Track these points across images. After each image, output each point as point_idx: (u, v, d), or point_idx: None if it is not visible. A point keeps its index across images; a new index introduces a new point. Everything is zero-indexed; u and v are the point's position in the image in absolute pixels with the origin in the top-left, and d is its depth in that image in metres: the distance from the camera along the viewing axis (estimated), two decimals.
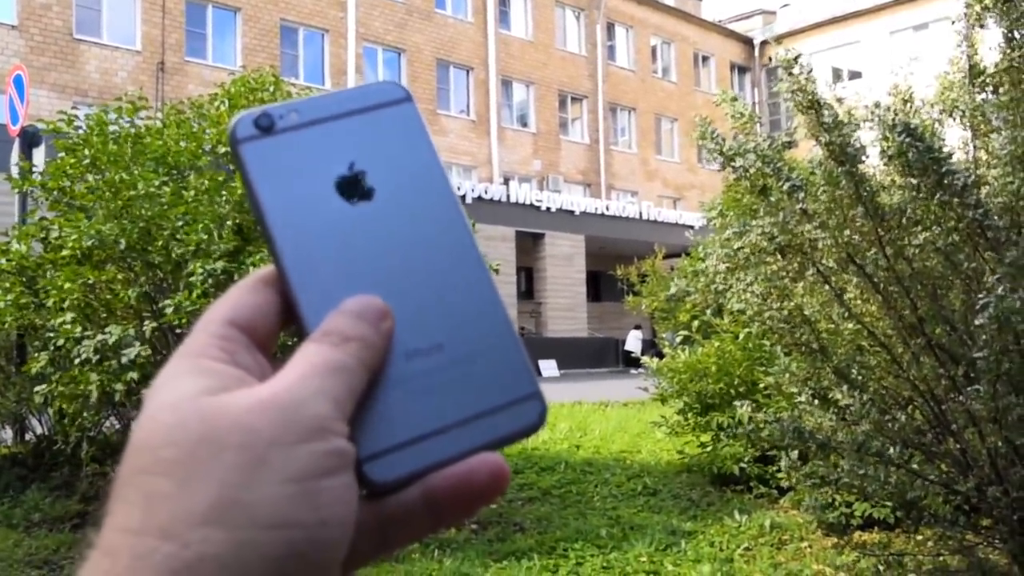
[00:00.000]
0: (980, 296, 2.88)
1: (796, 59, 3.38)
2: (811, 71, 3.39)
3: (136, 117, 6.38)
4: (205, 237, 5.12)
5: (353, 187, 0.45)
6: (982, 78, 3.66)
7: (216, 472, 0.36)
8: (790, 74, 3.34)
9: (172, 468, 0.36)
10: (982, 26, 3.69)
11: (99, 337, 5.11)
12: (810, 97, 3.32)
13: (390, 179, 0.46)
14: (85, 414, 5.59)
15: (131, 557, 0.35)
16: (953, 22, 3.93)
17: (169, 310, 4.95)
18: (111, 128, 6.20)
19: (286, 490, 0.36)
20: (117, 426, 6.41)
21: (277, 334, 0.44)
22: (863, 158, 3.32)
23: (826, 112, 3.29)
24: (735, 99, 3.93)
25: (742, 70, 41.16)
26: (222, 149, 5.96)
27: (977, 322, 2.89)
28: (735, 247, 3.64)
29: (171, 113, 6.66)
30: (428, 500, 0.41)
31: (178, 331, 5.17)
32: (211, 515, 0.35)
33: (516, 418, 0.43)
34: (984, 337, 2.93)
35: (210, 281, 5.01)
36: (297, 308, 0.42)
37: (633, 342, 22.62)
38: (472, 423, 0.42)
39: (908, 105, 4.03)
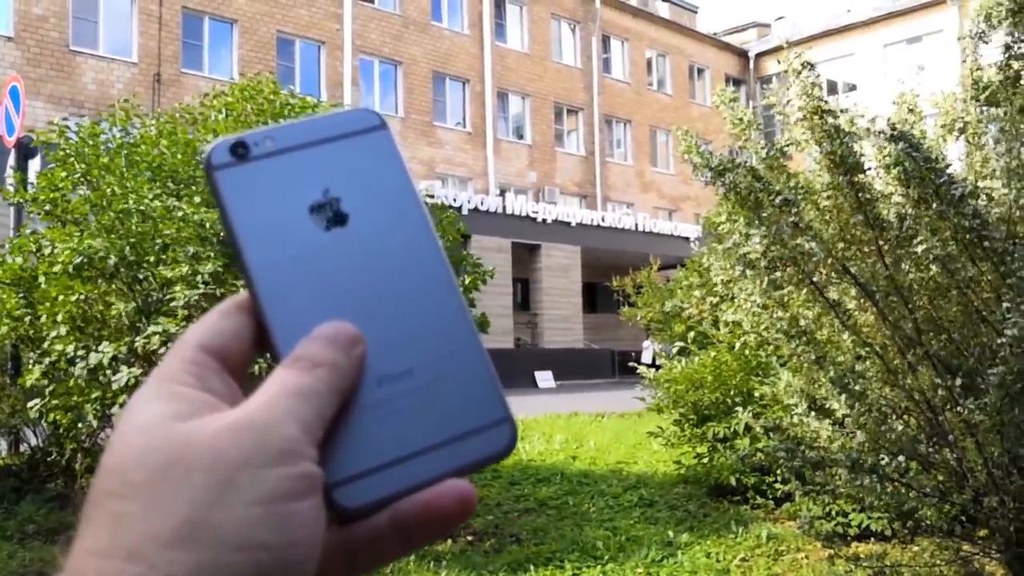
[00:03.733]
0: (1008, 316, 2.87)
1: (805, 65, 3.39)
2: (819, 76, 3.40)
3: (130, 125, 6.36)
4: (186, 270, 5.08)
5: (327, 214, 0.45)
6: (987, 92, 3.67)
7: (184, 494, 0.36)
8: (799, 78, 3.35)
9: (140, 490, 0.36)
10: (985, 42, 3.70)
11: (92, 357, 5.07)
12: (816, 103, 3.33)
13: (364, 206, 0.46)
14: (80, 426, 5.56)
15: None
16: (959, 38, 3.94)
17: (156, 337, 4.90)
18: (103, 138, 6.18)
19: (254, 512, 0.36)
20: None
21: (250, 360, 0.44)
22: (864, 168, 3.32)
23: (829, 120, 3.30)
24: (735, 99, 3.91)
25: (737, 82, 41.28)
26: None
27: (999, 341, 2.90)
28: (742, 252, 3.63)
29: (164, 123, 6.64)
30: (396, 525, 0.41)
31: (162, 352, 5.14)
32: (178, 537, 0.35)
33: (486, 443, 0.43)
34: (1002, 354, 2.93)
35: (192, 303, 4.97)
36: (270, 334, 0.43)
37: (648, 354, 22.57)
38: (442, 449, 0.42)
39: (913, 114, 4.04)
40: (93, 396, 5.18)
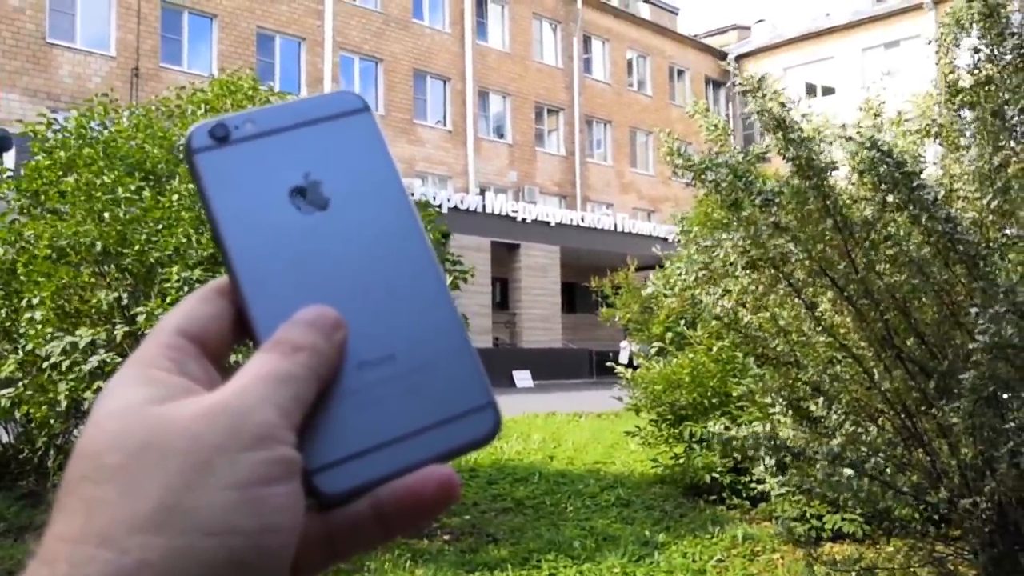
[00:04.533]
0: (980, 323, 2.89)
1: (760, 81, 3.41)
2: (775, 92, 3.42)
3: (108, 120, 6.32)
4: (184, 241, 5.07)
5: (308, 197, 0.45)
6: (960, 95, 3.71)
7: (159, 478, 0.35)
8: (753, 96, 3.38)
9: (114, 475, 0.36)
10: (957, 45, 3.74)
11: (68, 339, 5.04)
12: (776, 117, 3.35)
13: (346, 189, 0.46)
14: (53, 421, 5.50)
15: (69, 565, 0.34)
16: (929, 42, 3.98)
17: (141, 317, 4.90)
18: (84, 130, 6.15)
19: (229, 497, 0.36)
20: None
21: (230, 345, 0.44)
22: (831, 173, 3.35)
23: (792, 130, 3.32)
24: (707, 109, 3.95)
25: (717, 84, 41.48)
26: None
27: (971, 345, 2.92)
28: (706, 260, 3.66)
29: (139, 117, 6.58)
30: (377, 511, 0.41)
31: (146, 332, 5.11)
32: (152, 522, 0.35)
33: (469, 429, 0.43)
34: (974, 358, 2.95)
35: (186, 288, 4.97)
36: (250, 318, 0.42)
37: (625, 354, 22.66)
38: (424, 434, 0.42)
39: (877, 119, 4.08)
40: (69, 378, 5.11)
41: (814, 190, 3.25)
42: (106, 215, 5.51)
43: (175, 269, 5.01)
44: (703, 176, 3.49)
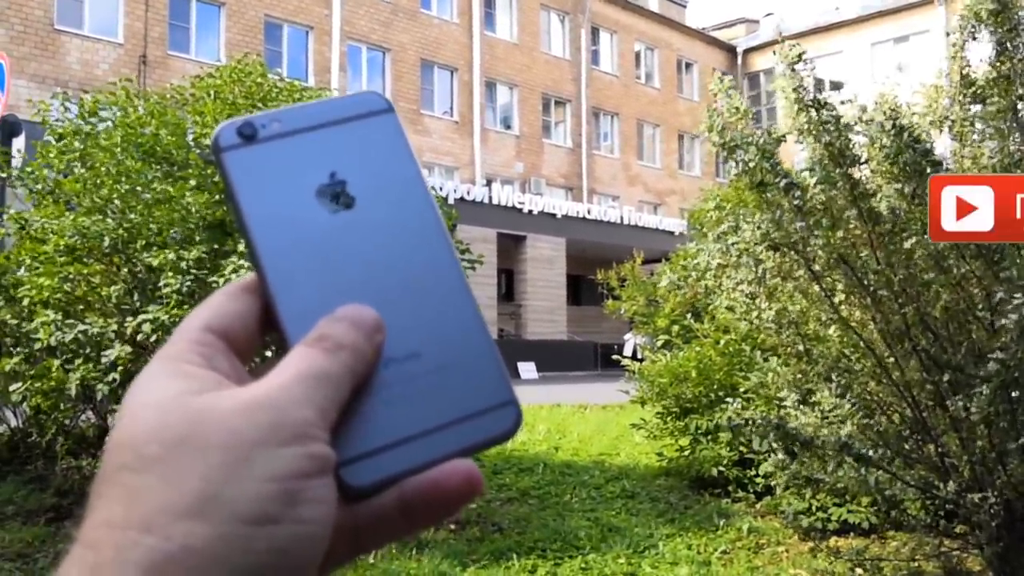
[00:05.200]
0: (1016, 296, 2.89)
1: (800, 56, 3.41)
2: (814, 69, 3.42)
3: (128, 106, 6.31)
4: (172, 256, 5.05)
5: (334, 196, 0.46)
6: (973, 88, 3.70)
7: (199, 470, 0.36)
8: (793, 71, 3.37)
9: (155, 464, 0.37)
10: (975, 38, 3.73)
11: (80, 327, 5.03)
12: (811, 95, 3.35)
13: (371, 189, 0.46)
14: (62, 406, 5.51)
15: (114, 550, 0.35)
16: (948, 34, 3.97)
17: (147, 326, 4.86)
18: (100, 115, 6.13)
19: (267, 488, 0.37)
20: (93, 420, 6.34)
21: (256, 341, 0.44)
22: (861, 161, 3.35)
23: (826, 112, 3.32)
24: (731, 88, 3.93)
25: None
26: (206, 142, 5.88)
27: (1001, 322, 2.91)
28: (730, 242, 3.66)
29: (154, 104, 6.55)
30: (402, 504, 0.42)
31: (153, 339, 5.09)
32: (194, 509, 0.36)
33: (491, 424, 0.43)
34: (1004, 339, 2.95)
35: (184, 289, 4.94)
36: (277, 315, 0.43)
37: (629, 347, 22.64)
38: (447, 429, 0.43)
39: (894, 113, 4.07)
40: (78, 368, 5.10)
41: (843, 177, 3.25)
42: (117, 202, 5.49)
43: (170, 275, 4.99)
44: (734, 154, 3.48)
